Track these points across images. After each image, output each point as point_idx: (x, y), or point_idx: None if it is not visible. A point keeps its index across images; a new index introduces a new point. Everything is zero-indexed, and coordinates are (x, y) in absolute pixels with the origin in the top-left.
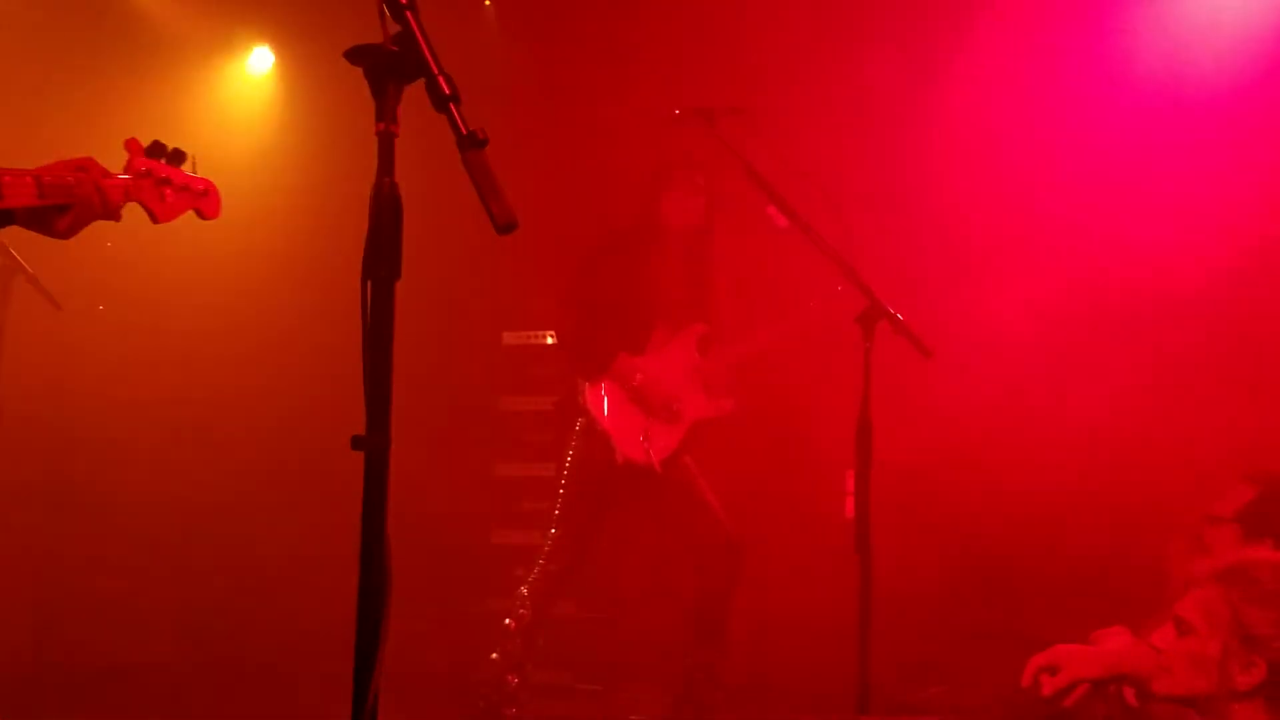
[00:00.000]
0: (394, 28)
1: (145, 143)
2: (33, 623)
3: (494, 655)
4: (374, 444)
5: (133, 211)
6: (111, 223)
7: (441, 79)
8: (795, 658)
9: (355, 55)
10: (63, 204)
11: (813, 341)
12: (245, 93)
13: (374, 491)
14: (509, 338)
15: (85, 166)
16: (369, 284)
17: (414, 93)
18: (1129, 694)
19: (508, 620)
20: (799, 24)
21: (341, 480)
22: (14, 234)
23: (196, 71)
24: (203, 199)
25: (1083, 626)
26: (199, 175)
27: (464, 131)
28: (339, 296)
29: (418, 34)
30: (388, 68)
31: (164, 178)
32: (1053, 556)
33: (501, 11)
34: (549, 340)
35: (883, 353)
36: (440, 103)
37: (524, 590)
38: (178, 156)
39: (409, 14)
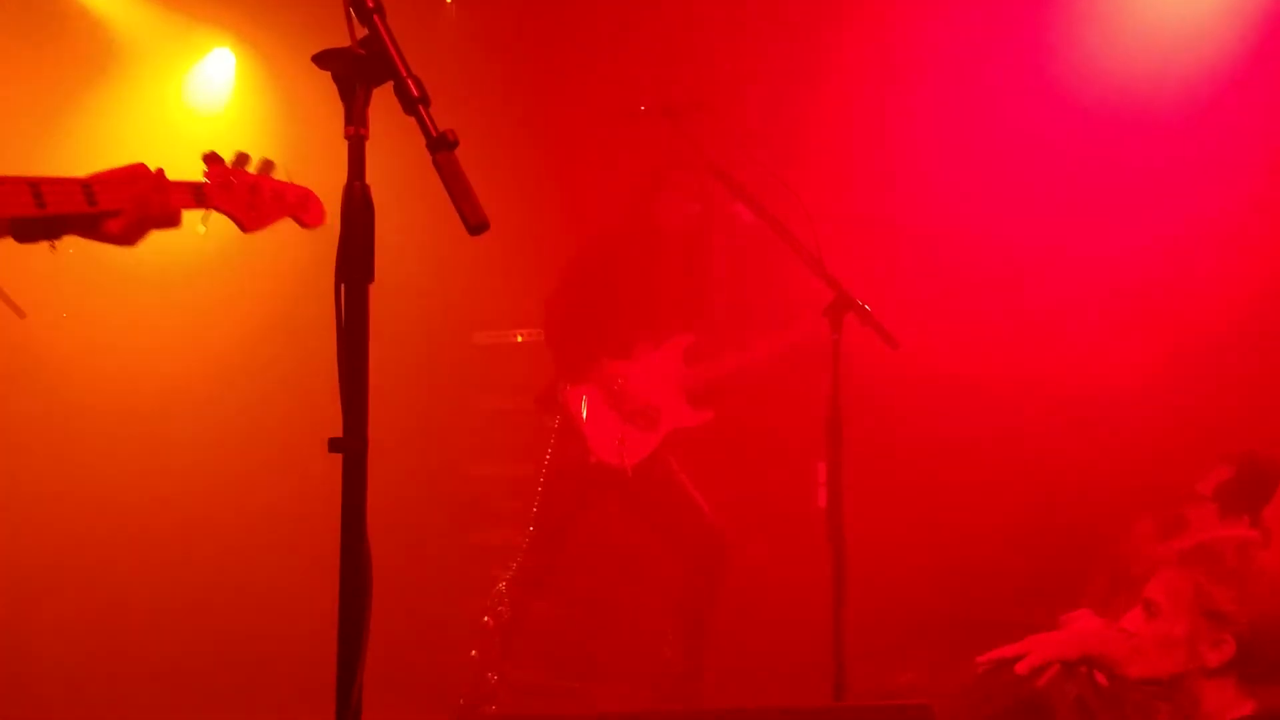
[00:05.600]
0: (361, 31)
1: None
2: (2, 634)
3: (473, 653)
4: (351, 446)
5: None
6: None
7: (410, 81)
8: (771, 646)
9: (323, 59)
10: (114, 209)
11: (801, 360)
12: (205, 95)
13: (353, 493)
14: (480, 337)
15: (139, 174)
16: (342, 287)
17: (382, 94)
18: (1099, 676)
19: (486, 618)
20: (764, 18)
21: (319, 483)
22: None
23: (154, 73)
24: (301, 207)
25: (1053, 610)
26: (294, 183)
27: (434, 133)
28: (312, 300)
29: (385, 37)
30: (356, 71)
31: (251, 185)
32: (1022, 542)
33: (464, 10)
34: (519, 339)
35: (852, 344)
36: (409, 105)
37: (502, 588)
38: (266, 165)
39: (376, 17)
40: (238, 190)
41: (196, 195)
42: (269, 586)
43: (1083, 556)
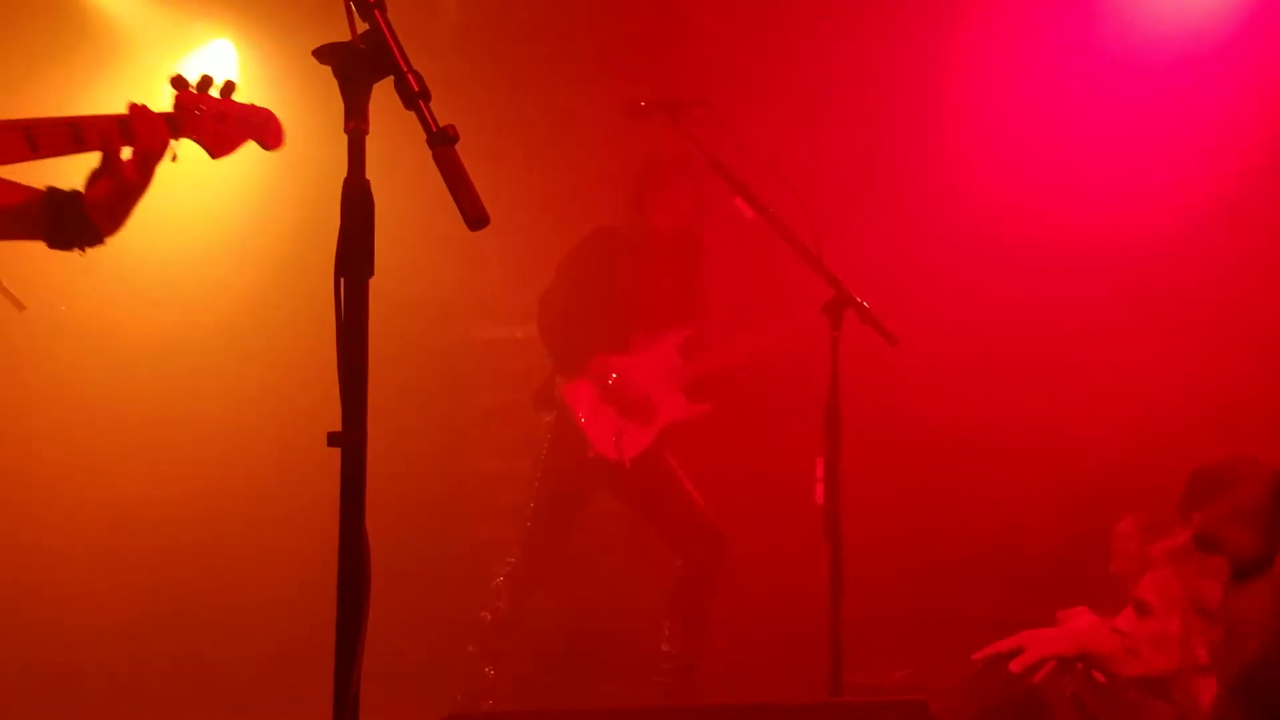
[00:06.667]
0: (361, 25)
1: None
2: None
3: (470, 648)
4: (350, 440)
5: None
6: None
7: (410, 76)
8: (768, 642)
9: (323, 54)
10: (106, 147)
11: (797, 353)
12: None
13: (351, 488)
14: (481, 332)
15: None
16: (342, 282)
17: (382, 88)
18: (1096, 673)
19: (484, 613)
20: (766, 13)
21: (318, 478)
22: None
23: (152, 65)
24: (263, 129)
25: (1049, 607)
26: (256, 105)
27: (434, 129)
28: (312, 294)
29: (386, 32)
30: (356, 66)
31: (218, 110)
32: (1019, 539)
33: (464, 5)
34: (520, 335)
35: (851, 340)
36: (410, 100)
37: (500, 583)
38: (229, 88)
39: (377, 12)
40: (206, 116)
41: (171, 124)
42: (267, 581)
43: (1077, 553)
